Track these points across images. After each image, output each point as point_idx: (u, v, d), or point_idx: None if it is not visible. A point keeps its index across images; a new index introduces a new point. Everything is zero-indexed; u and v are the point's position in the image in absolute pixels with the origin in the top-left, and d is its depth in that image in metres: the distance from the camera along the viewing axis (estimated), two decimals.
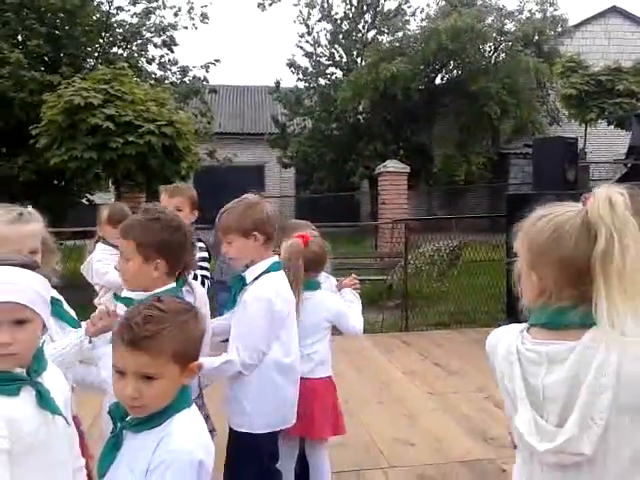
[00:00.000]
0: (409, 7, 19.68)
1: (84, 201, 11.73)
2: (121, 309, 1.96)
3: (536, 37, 17.91)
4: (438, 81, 18.71)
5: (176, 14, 13.38)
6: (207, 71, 13.62)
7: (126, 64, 9.68)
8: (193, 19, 13.76)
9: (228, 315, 2.58)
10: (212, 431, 2.52)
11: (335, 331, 3.04)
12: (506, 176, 18.53)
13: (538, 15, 18.61)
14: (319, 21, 19.82)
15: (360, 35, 19.64)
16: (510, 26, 18.19)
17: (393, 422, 4.37)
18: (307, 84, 19.62)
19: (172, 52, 13.15)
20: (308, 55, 19.84)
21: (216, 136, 14.10)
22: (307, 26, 19.78)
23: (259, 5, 19.93)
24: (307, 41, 19.80)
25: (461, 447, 3.92)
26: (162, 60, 13.09)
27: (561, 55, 17.53)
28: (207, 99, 14.52)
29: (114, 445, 1.47)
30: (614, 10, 20.75)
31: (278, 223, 2.54)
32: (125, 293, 2.20)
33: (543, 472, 1.34)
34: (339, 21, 19.56)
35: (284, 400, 2.49)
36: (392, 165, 10.94)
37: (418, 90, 17.26)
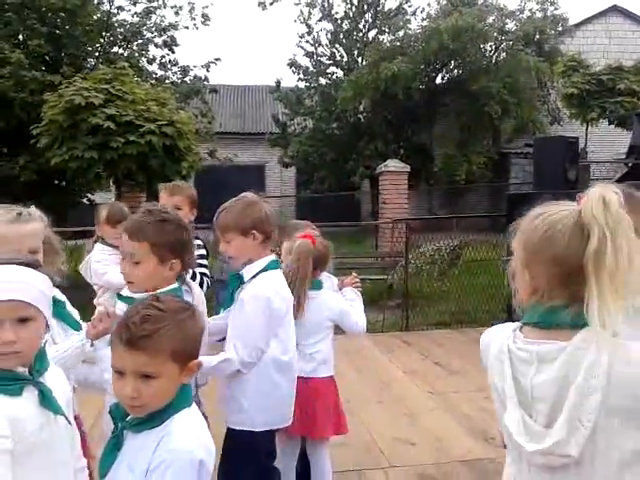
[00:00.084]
0: (410, 6, 19.71)
1: (85, 201, 11.73)
2: (122, 309, 1.96)
3: (537, 36, 17.90)
4: (439, 80, 18.70)
5: (177, 13, 13.39)
6: (208, 70, 13.63)
7: (127, 64, 9.68)
8: (194, 19, 13.77)
9: (224, 314, 2.58)
10: None
11: (336, 331, 3.05)
12: (507, 175, 18.52)
13: (539, 14, 18.60)
14: (320, 20, 19.84)
15: (361, 34, 19.64)
16: (511, 25, 18.18)
17: (394, 422, 4.37)
18: (308, 84, 19.62)
19: (173, 52, 13.16)
20: (309, 55, 19.85)
21: (217, 136, 14.10)
22: (308, 26, 19.80)
23: (260, 4, 19.94)
24: (307, 41, 19.83)
25: (462, 446, 3.92)
26: (163, 60, 13.11)
27: (562, 54, 17.51)
28: (208, 99, 14.53)
29: (115, 445, 1.47)
30: (615, 9, 20.73)
31: (276, 222, 2.54)
32: (127, 292, 2.19)
33: (530, 472, 1.33)
34: (340, 20, 19.56)
35: (282, 398, 2.50)
36: (393, 165, 10.94)
37: (419, 89, 17.25)
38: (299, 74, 19.67)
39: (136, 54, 12.41)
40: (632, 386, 1.21)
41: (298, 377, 2.70)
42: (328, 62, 19.86)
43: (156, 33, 12.84)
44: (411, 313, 7.55)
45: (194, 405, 1.50)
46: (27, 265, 1.51)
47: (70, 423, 1.55)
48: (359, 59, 19.28)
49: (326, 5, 19.60)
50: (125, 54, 12.22)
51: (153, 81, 11.80)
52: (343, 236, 12.15)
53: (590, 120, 15.64)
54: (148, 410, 1.41)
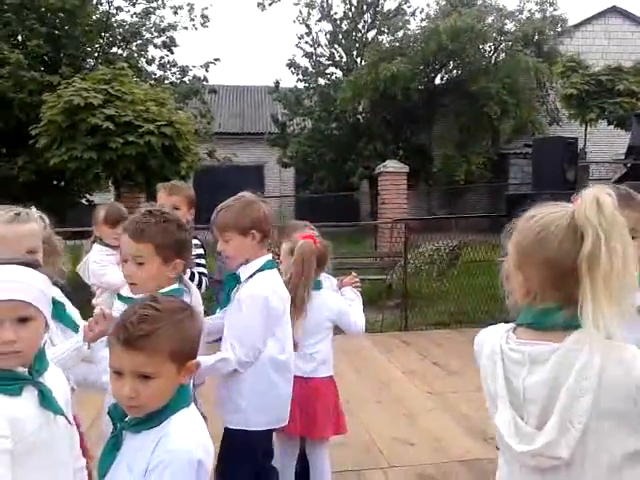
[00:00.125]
0: (409, 7, 19.70)
1: (83, 201, 11.73)
2: (120, 309, 1.96)
3: (536, 37, 17.89)
4: (438, 81, 18.70)
5: (176, 12, 13.40)
6: (207, 70, 13.65)
7: (126, 64, 9.69)
8: (193, 20, 13.79)
9: (220, 314, 2.58)
10: None
11: (335, 331, 3.05)
12: (506, 176, 18.53)
13: (538, 15, 18.59)
14: (319, 21, 19.84)
15: (360, 35, 19.64)
16: (510, 26, 18.17)
17: (393, 422, 4.37)
18: (307, 84, 19.62)
19: (172, 53, 13.17)
20: (308, 55, 19.84)
21: (216, 136, 14.12)
22: (307, 26, 19.80)
23: (259, 5, 19.95)
24: (307, 42, 19.82)
25: (460, 446, 3.92)
26: (162, 61, 13.12)
27: (561, 55, 17.52)
28: (207, 99, 14.54)
29: (114, 445, 1.47)
30: (614, 10, 20.73)
31: (274, 222, 2.55)
32: (126, 292, 2.19)
33: (521, 474, 1.32)
34: (339, 21, 19.56)
35: (279, 397, 2.50)
36: (392, 165, 10.94)
37: (418, 90, 17.25)
38: (298, 74, 19.67)
39: (135, 54, 12.42)
40: (623, 389, 1.19)
41: (298, 377, 2.70)
42: (327, 62, 19.86)
43: (155, 34, 12.85)
44: (410, 313, 7.55)
45: (193, 405, 1.50)
46: (27, 265, 1.51)
47: (70, 423, 1.56)
48: (358, 59, 19.28)
49: (325, 6, 19.61)
50: (124, 54, 12.23)
51: (152, 81, 11.81)
52: (342, 236, 12.14)
53: (589, 121, 15.66)
54: (146, 410, 1.41)
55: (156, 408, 1.41)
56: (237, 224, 2.41)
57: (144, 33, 12.74)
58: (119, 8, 12.66)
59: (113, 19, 12.42)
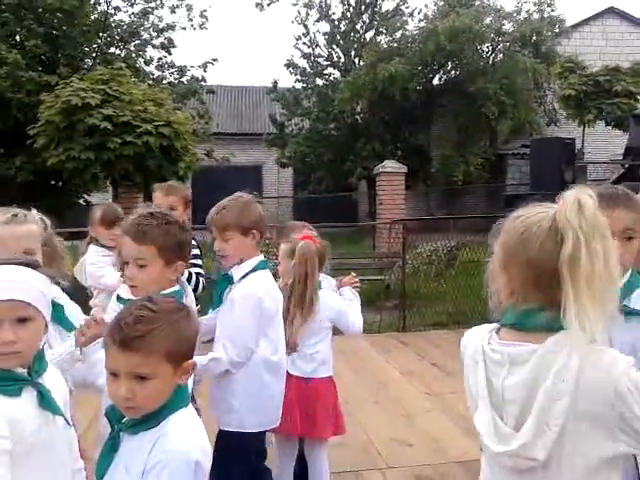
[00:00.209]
0: (407, 7, 19.70)
1: (81, 202, 11.71)
2: (115, 311, 1.95)
3: (534, 38, 17.91)
4: (436, 82, 18.71)
5: (173, 11, 13.38)
6: (205, 71, 13.64)
7: (124, 64, 9.68)
8: (191, 20, 13.77)
9: (213, 314, 2.58)
10: None
11: (334, 331, 3.05)
12: (504, 176, 18.55)
13: (536, 16, 18.61)
14: (317, 21, 19.83)
15: (358, 35, 19.64)
16: (508, 27, 18.19)
17: (390, 422, 4.37)
18: (305, 85, 19.62)
19: (170, 54, 13.16)
20: (306, 56, 19.84)
21: (214, 136, 14.09)
22: (305, 27, 19.80)
23: (257, 5, 19.95)
24: (305, 42, 19.82)
25: (458, 447, 3.92)
26: (160, 62, 13.11)
27: (559, 56, 17.55)
28: (205, 99, 14.53)
29: (112, 447, 1.46)
30: (611, 11, 20.77)
31: (270, 223, 2.55)
32: (126, 294, 2.18)
33: (500, 474, 1.32)
34: (337, 21, 19.56)
35: (272, 398, 2.50)
36: (390, 165, 10.95)
37: (416, 90, 17.25)
38: (296, 75, 19.68)
39: (133, 55, 12.40)
40: (601, 392, 1.19)
41: (298, 377, 2.70)
42: (325, 63, 19.86)
43: (154, 34, 12.84)
44: (408, 314, 7.55)
45: (190, 406, 1.50)
46: (26, 265, 1.51)
47: (69, 424, 1.56)
48: (356, 60, 19.28)
49: (323, 6, 19.60)
50: (122, 55, 12.22)
51: (150, 82, 11.80)
52: (340, 237, 12.14)
53: (587, 121, 15.69)
54: (143, 411, 1.40)
55: (153, 409, 1.40)
56: (239, 224, 2.41)
57: (142, 33, 12.74)
58: (117, 8, 12.65)
59: (111, 19, 12.41)
